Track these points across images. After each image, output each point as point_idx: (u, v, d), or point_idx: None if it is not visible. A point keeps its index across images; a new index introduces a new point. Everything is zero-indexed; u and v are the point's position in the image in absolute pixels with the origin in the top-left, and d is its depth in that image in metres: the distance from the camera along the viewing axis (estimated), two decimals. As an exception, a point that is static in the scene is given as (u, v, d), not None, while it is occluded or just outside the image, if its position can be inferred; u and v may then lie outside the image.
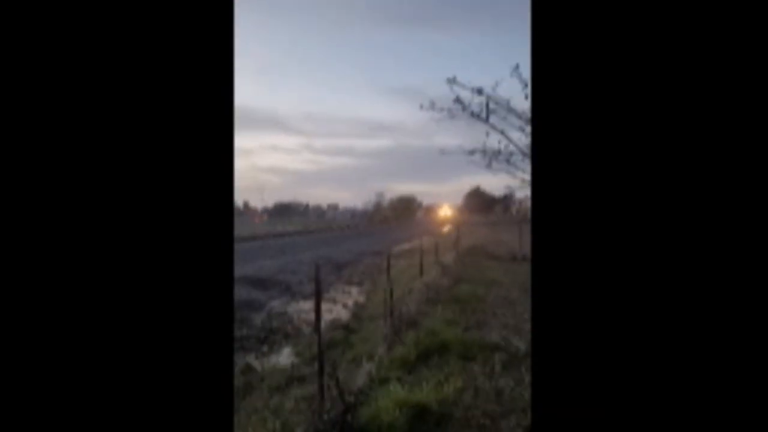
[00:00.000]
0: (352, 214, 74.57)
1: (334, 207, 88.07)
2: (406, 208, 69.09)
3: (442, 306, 5.84)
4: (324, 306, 7.23)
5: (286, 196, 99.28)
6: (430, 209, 57.68)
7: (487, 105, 4.33)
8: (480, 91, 4.34)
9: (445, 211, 54.37)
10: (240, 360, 4.33)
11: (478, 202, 66.93)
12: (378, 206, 70.18)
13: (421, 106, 4.99)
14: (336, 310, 6.94)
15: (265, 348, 4.96)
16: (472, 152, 4.97)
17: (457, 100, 4.56)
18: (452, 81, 4.39)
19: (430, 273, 8.30)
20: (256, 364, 4.34)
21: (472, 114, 4.64)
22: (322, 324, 5.85)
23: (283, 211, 76.03)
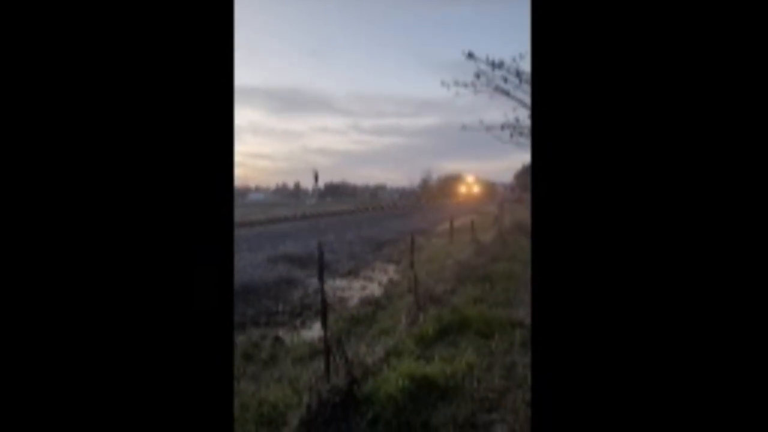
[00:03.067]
0: (400, 193, 74.62)
1: (382, 187, 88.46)
2: (454, 186, 68.26)
3: (472, 284, 5.84)
4: (358, 283, 7.44)
5: (336, 177, 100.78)
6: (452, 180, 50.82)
7: (506, 79, 4.19)
8: (499, 65, 4.20)
9: (468, 184, 47.02)
10: (271, 333, 4.58)
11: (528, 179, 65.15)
12: (425, 185, 69.76)
13: (442, 83, 4.90)
14: (370, 287, 7.10)
15: (297, 322, 5.20)
16: (489, 128, 4.85)
17: (477, 74, 4.44)
18: (471, 56, 4.28)
19: (465, 251, 8.26)
20: (286, 337, 4.57)
21: (496, 88, 4.50)
22: (355, 301, 6.04)
23: (332, 191, 77.35)
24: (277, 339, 4.40)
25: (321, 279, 2.75)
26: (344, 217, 16.70)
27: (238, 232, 11.17)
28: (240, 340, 4.30)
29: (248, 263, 8.11)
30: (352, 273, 8.28)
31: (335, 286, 7.17)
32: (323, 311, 2.76)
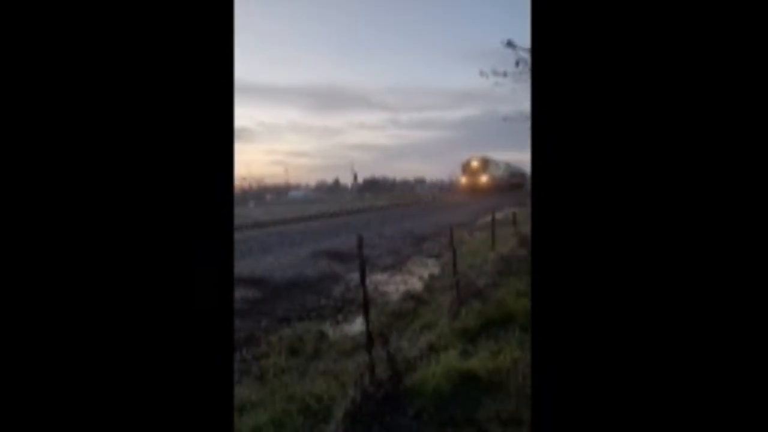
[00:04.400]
0: (440, 187, 74.08)
1: (421, 180, 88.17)
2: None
3: (515, 277, 5.72)
4: (399, 278, 7.45)
5: (375, 172, 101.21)
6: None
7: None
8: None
9: (474, 165, 39.94)
10: (315, 327, 4.67)
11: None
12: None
13: (481, 73, 4.80)
14: (411, 281, 7.10)
15: (339, 317, 5.28)
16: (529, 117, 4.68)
17: (517, 62, 4.31)
18: (510, 44, 4.19)
19: (508, 244, 8.11)
20: (329, 331, 4.65)
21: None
22: (396, 295, 6.05)
23: (371, 186, 77.73)
24: (321, 333, 4.49)
25: (362, 274, 2.78)
26: (383, 212, 16.77)
27: (282, 229, 11.43)
28: (285, 333, 4.42)
29: (291, 259, 8.30)
30: (393, 268, 8.30)
31: (376, 280, 7.21)
32: (365, 306, 2.79)
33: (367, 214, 15.45)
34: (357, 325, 5.01)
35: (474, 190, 38.05)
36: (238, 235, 9.75)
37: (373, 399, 2.50)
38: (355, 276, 7.77)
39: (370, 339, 2.71)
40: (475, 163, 40.25)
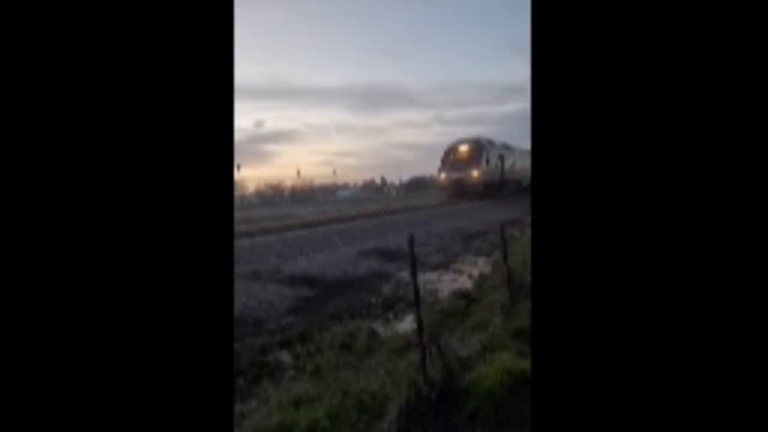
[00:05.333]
0: (488, 183, 72.59)
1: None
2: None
3: (571, 276, 5.53)
4: (449, 276, 7.40)
5: (421, 171, 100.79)
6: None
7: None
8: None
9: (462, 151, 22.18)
10: (366, 325, 4.72)
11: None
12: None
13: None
14: (461, 280, 7.03)
15: (390, 315, 5.31)
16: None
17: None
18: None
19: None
20: (380, 329, 4.69)
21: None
22: (446, 294, 6.00)
23: (417, 185, 77.48)
24: (372, 331, 4.53)
25: (414, 273, 2.78)
26: (429, 210, 16.68)
27: (332, 228, 11.63)
28: (337, 331, 4.50)
29: (341, 258, 8.42)
30: (442, 266, 8.25)
31: (425, 279, 7.19)
32: (417, 304, 2.79)
33: (414, 212, 15.44)
34: (407, 324, 5.02)
35: (462, 192, 21.25)
36: (288, 235, 10.02)
37: (427, 398, 2.50)
38: (404, 274, 7.79)
39: (422, 338, 2.70)
40: (463, 149, 21.97)
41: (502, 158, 23.26)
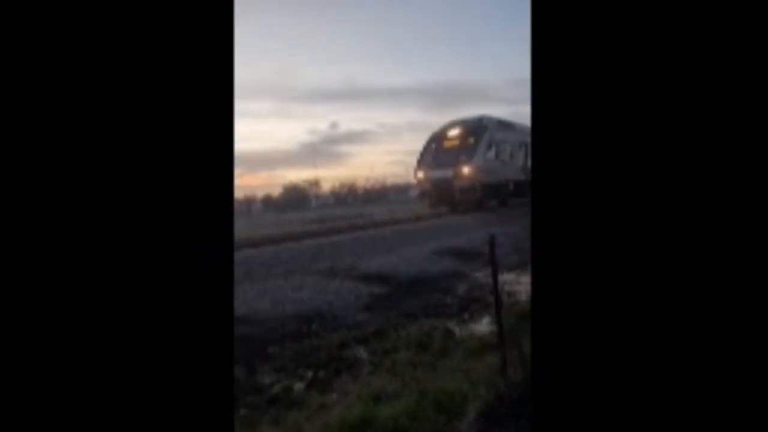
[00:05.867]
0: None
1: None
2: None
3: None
4: (526, 278, 7.14)
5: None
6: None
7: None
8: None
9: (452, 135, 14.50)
10: (441, 324, 4.71)
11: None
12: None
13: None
14: (539, 282, 6.76)
15: (465, 315, 5.25)
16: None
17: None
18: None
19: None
20: (455, 329, 4.65)
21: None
22: (524, 296, 5.82)
23: (491, 183, 75.49)
24: (447, 330, 4.51)
25: (494, 274, 2.73)
26: (503, 209, 16.22)
27: (406, 227, 11.72)
28: (412, 329, 4.53)
29: (414, 257, 8.46)
30: (520, 267, 7.99)
31: (502, 280, 6.99)
32: (497, 305, 2.74)
33: (488, 212, 15.10)
34: (483, 325, 4.93)
35: (445, 199, 14.14)
36: (359, 234, 10.24)
37: (507, 400, 2.45)
38: (478, 275, 7.66)
39: (501, 339, 2.65)
40: (453, 133, 14.43)
41: (526, 147, 14.90)
